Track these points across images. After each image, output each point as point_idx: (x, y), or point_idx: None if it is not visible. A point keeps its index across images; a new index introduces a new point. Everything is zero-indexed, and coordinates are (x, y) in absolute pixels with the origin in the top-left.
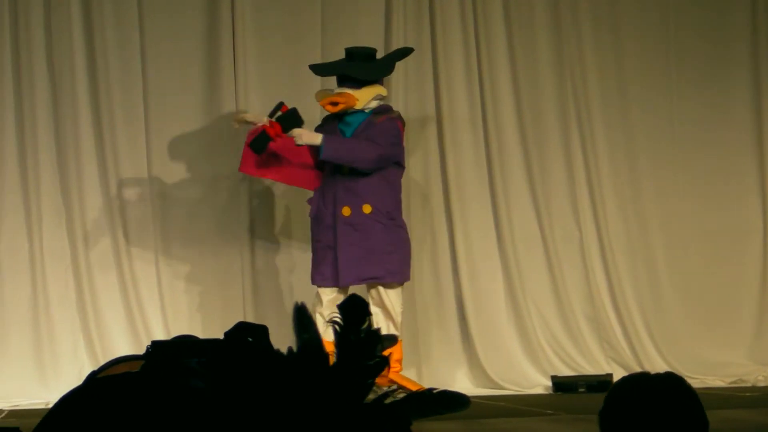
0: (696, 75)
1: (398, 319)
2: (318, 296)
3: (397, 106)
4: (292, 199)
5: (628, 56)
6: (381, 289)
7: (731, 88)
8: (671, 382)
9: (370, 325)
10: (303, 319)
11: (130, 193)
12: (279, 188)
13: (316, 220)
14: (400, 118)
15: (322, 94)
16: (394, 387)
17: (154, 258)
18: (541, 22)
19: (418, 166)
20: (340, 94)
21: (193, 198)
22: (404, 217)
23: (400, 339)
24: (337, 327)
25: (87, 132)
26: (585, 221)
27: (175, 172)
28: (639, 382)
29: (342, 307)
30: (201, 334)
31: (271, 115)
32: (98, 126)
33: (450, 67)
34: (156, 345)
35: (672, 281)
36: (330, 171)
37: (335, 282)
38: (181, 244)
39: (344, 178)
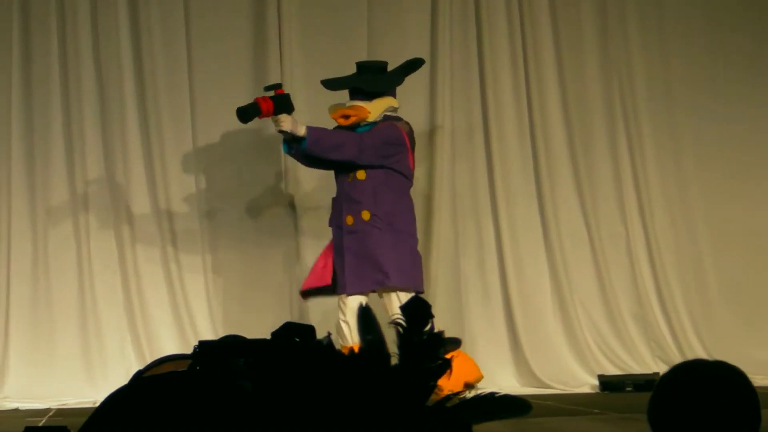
0: (743, 75)
1: None
2: (341, 303)
3: (443, 103)
4: (327, 204)
5: (674, 56)
6: (392, 295)
7: None
8: (728, 370)
9: (433, 327)
10: (367, 320)
11: (177, 194)
12: (324, 190)
13: (332, 229)
14: (405, 124)
15: (334, 108)
16: (458, 391)
17: (202, 258)
18: (587, 22)
19: (464, 168)
20: (351, 107)
21: (239, 198)
22: (450, 218)
23: None
24: (399, 329)
25: (134, 133)
26: (632, 221)
27: (221, 172)
28: (695, 367)
29: (405, 309)
30: (248, 334)
31: (266, 90)
32: (145, 127)
33: (496, 64)
34: (203, 345)
35: (719, 280)
36: (339, 180)
37: (344, 289)
38: (228, 244)
39: (348, 186)
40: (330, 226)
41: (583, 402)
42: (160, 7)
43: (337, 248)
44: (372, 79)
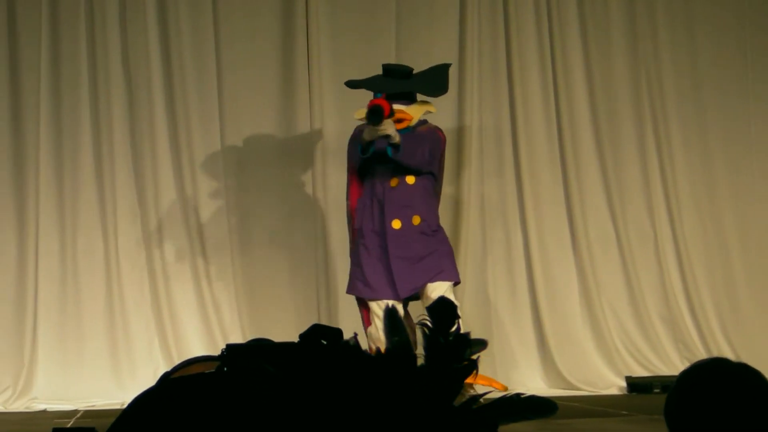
0: None
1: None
2: (368, 307)
3: (472, 102)
4: None
5: (703, 56)
6: (429, 288)
7: None
8: (749, 371)
9: (459, 328)
10: (394, 321)
11: (205, 195)
12: (344, 195)
13: (361, 232)
14: (441, 131)
15: None
16: (486, 391)
17: (230, 260)
18: (615, 23)
19: (492, 168)
20: (401, 111)
21: (268, 199)
22: (478, 221)
23: None
24: (426, 330)
25: (162, 133)
26: (660, 222)
27: (250, 174)
28: (715, 367)
29: (431, 310)
30: (276, 336)
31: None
32: (173, 127)
33: (524, 66)
34: (231, 348)
35: (748, 282)
36: (374, 184)
37: (390, 294)
38: (256, 247)
39: (392, 191)
40: (355, 229)
41: (611, 403)
42: (188, 7)
43: (370, 253)
44: (426, 83)
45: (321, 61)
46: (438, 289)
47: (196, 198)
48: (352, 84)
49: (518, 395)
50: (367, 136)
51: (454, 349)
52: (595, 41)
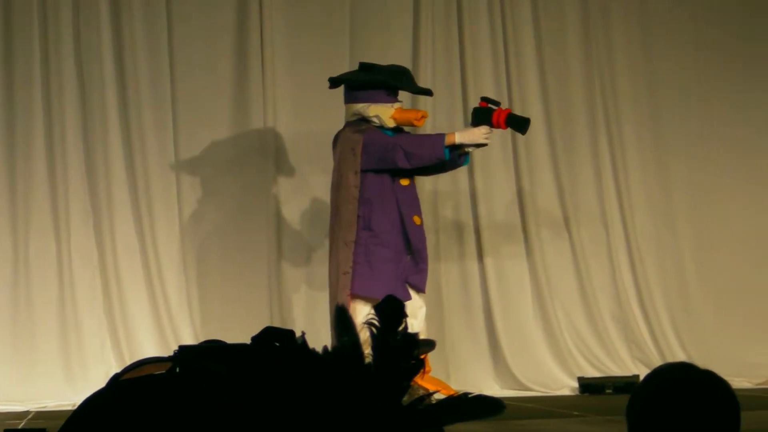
0: (732, 76)
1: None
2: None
3: (425, 102)
4: (320, 207)
5: (659, 57)
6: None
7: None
8: (717, 380)
9: (407, 327)
10: (344, 321)
11: (158, 195)
12: (306, 193)
13: (373, 231)
14: None
15: (409, 111)
16: (432, 391)
17: (182, 260)
18: (570, 22)
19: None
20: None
21: (221, 200)
22: (431, 223)
23: None
24: (374, 329)
25: (115, 133)
26: (612, 221)
27: (203, 174)
28: (680, 371)
29: (379, 309)
30: (230, 339)
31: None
32: (126, 127)
33: (478, 66)
34: (183, 350)
35: (700, 282)
36: (384, 182)
37: (403, 295)
38: (210, 248)
39: (404, 190)
40: (361, 228)
41: (564, 404)
42: (142, 8)
43: (384, 252)
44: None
45: (275, 59)
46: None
47: (149, 198)
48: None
49: (466, 395)
50: (472, 140)
51: (402, 348)
52: (549, 41)
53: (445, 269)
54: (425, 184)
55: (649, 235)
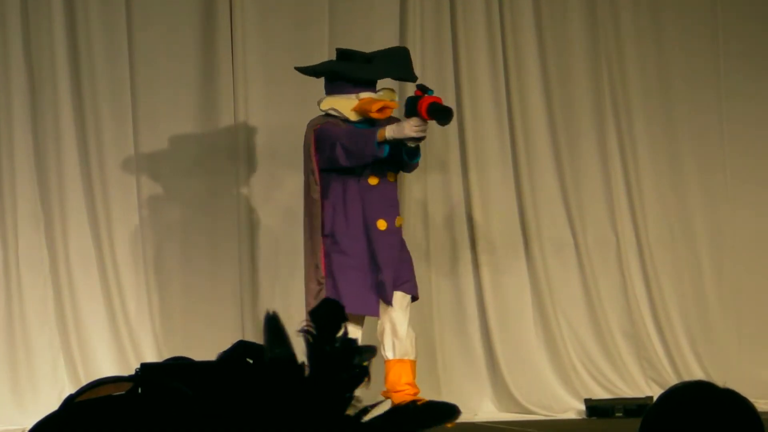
0: (748, 67)
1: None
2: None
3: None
4: (290, 212)
5: (671, 46)
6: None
7: None
8: (736, 397)
9: (346, 333)
10: (276, 331)
11: (116, 197)
12: (275, 199)
13: (333, 238)
14: None
15: (374, 98)
16: (381, 400)
17: (144, 270)
18: (574, 8)
19: (436, 171)
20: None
21: (186, 204)
22: (421, 226)
23: (412, 359)
24: (309, 337)
25: (68, 131)
26: (622, 227)
27: (165, 175)
28: (696, 390)
29: (315, 314)
30: (197, 356)
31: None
32: (81, 124)
33: (472, 55)
34: (145, 368)
35: (720, 294)
36: (346, 180)
37: (370, 308)
38: (173, 256)
39: (371, 189)
40: (326, 236)
41: (569, 429)
42: None
43: (348, 260)
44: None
45: (246, 46)
46: (399, 300)
47: (106, 201)
48: (383, 73)
49: (414, 402)
50: (401, 134)
51: (341, 356)
52: (550, 27)
53: (436, 280)
54: (413, 185)
55: (664, 241)
